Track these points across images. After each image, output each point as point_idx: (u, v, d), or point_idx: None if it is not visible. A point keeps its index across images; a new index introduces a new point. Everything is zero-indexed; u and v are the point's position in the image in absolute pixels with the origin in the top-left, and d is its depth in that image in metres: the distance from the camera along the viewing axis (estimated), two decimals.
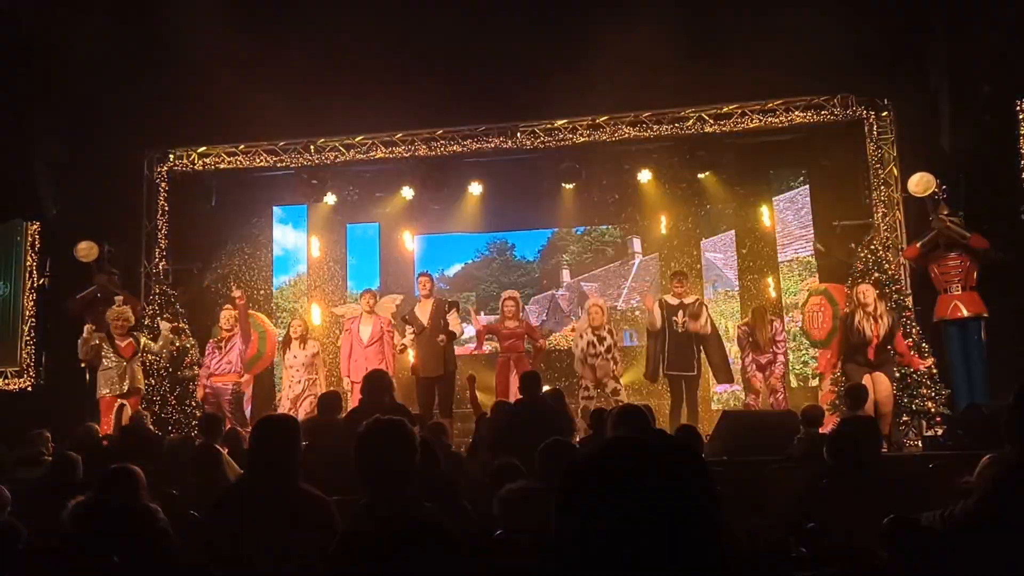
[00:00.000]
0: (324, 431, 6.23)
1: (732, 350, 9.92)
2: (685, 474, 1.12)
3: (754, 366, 8.84)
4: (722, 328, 11.12)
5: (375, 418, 2.76)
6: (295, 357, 9.36)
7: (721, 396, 11.14)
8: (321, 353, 9.66)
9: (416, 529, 2.45)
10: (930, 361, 8.41)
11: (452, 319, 9.06)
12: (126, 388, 8.82)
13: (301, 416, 8.47)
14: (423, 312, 9.04)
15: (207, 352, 9.44)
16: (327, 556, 2.48)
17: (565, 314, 12.67)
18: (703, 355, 9.23)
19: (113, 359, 8.89)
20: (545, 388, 7.88)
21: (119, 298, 9.81)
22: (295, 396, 9.29)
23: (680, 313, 9.10)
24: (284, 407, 9.22)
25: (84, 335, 9.01)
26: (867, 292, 8.13)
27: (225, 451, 6.32)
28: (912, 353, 8.35)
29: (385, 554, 2.39)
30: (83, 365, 9.81)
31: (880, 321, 7.97)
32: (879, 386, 7.82)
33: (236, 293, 9.37)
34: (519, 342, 9.32)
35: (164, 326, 9.47)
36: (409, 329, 9.13)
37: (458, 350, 9.98)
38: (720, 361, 9.28)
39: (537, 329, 10.00)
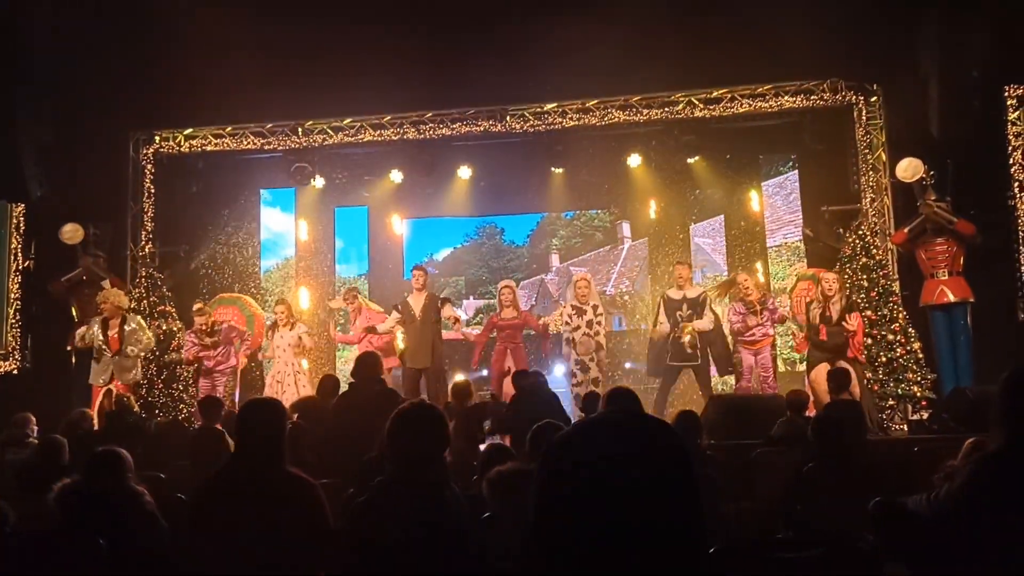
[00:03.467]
0: (316, 411, 6.26)
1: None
2: (661, 451, 1.12)
3: (746, 351, 8.87)
4: None
5: (411, 402, 2.94)
6: (282, 338, 9.36)
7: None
8: (307, 337, 9.65)
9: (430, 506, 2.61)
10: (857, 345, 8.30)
11: (447, 311, 9.04)
12: (111, 377, 8.75)
13: (287, 399, 8.46)
14: (416, 303, 8.98)
15: (193, 346, 9.39)
16: (342, 530, 2.64)
17: (554, 299, 12.67)
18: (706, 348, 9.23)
19: (105, 351, 8.83)
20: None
21: (106, 282, 9.75)
22: (280, 379, 9.29)
23: (684, 307, 8.97)
24: (270, 390, 9.22)
25: (83, 330, 9.01)
26: (829, 283, 8.24)
27: None
28: (859, 338, 8.26)
29: (397, 531, 2.52)
30: (69, 349, 9.77)
31: (832, 308, 8.10)
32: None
33: (197, 306, 9.53)
34: (516, 332, 9.28)
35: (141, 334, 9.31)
36: (394, 317, 9.12)
37: (452, 336, 10.03)
38: (722, 352, 9.14)
39: (533, 318, 9.90)
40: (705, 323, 8.89)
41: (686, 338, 8.79)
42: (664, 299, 9.22)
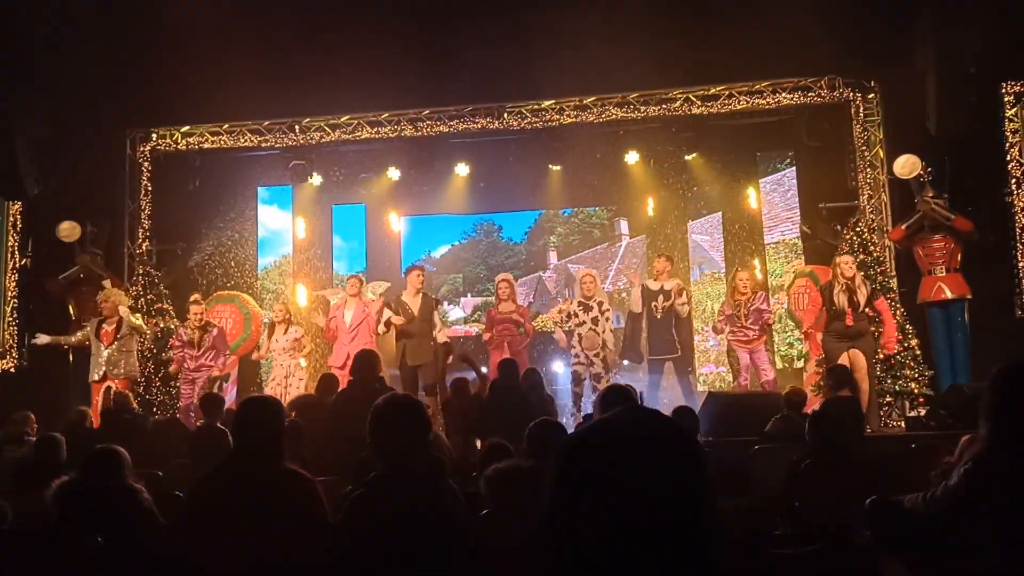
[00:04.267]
0: (314, 410, 6.26)
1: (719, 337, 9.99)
2: (680, 453, 1.12)
3: (741, 350, 8.86)
4: (709, 311, 11.17)
5: (392, 394, 2.95)
6: (276, 341, 9.32)
7: (707, 377, 11.19)
8: (305, 337, 9.63)
9: (423, 503, 2.59)
10: (893, 334, 8.29)
11: (438, 321, 9.10)
12: (104, 372, 8.77)
13: (285, 400, 8.45)
14: (413, 303, 9.04)
15: (178, 344, 9.30)
16: (336, 524, 2.64)
17: (552, 296, 12.68)
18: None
19: (103, 345, 8.86)
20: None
21: (107, 281, 9.75)
22: (279, 380, 9.26)
23: (660, 298, 9.07)
24: (269, 391, 9.19)
25: (79, 335, 9.07)
26: (848, 264, 8.14)
27: None
28: (892, 317, 8.29)
29: (393, 525, 2.54)
30: (65, 348, 9.76)
31: (859, 292, 8.02)
32: (856, 363, 7.88)
33: (194, 296, 9.50)
34: (512, 325, 9.31)
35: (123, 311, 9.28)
36: (388, 314, 9.14)
37: (448, 332, 10.03)
38: (686, 340, 9.36)
39: (528, 313, 9.93)
40: (680, 302, 9.09)
41: (660, 315, 8.95)
42: (642, 287, 9.30)
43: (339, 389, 7.17)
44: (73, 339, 9.27)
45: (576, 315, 9.05)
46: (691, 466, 1.11)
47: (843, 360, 7.82)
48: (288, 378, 9.23)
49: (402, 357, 9.01)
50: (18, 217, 10.53)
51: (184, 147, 11.02)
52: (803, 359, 10.12)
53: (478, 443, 6.30)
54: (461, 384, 7.20)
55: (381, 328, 9.15)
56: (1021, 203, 8.85)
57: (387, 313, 9.12)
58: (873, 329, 8.28)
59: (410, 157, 10.96)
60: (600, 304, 9.08)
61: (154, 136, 10.96)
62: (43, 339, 9.21)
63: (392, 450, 2.74)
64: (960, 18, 8.92)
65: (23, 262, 10.50)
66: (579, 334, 9.01)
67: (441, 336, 9.13)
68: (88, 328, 9.02)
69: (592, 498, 1.09)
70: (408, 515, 2.62)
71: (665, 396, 9.43)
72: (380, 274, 12.56)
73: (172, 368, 9.40)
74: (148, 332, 9.45)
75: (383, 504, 2.66)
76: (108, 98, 10.12)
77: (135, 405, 8.26)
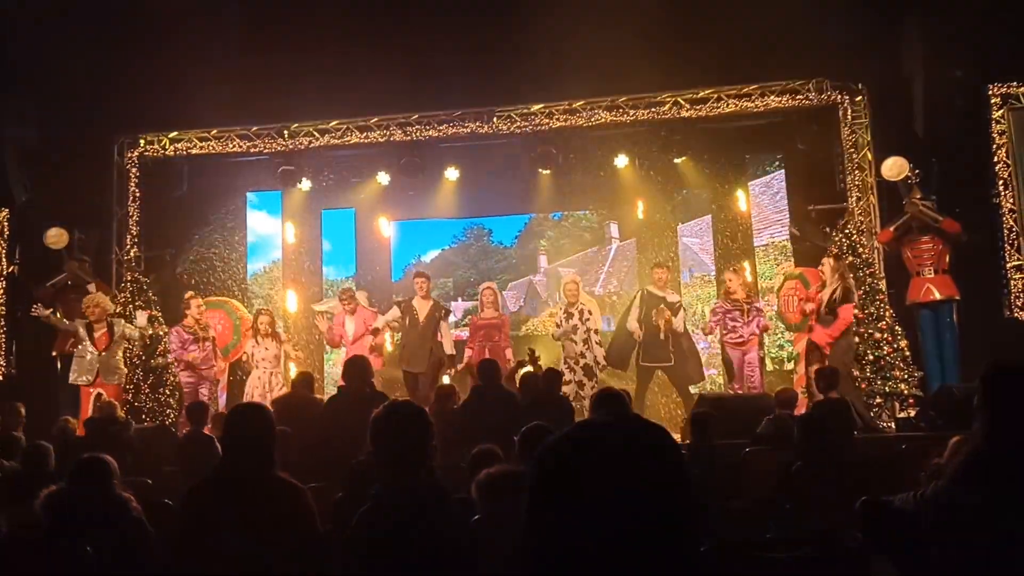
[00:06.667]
0: (298, 409, 6.23)
1: (709, 338, 10.02)
2: (657, 456, 1.12)
3: (734, 351, 8.91)
4: (699, 313, 11.18)
5: (392, 401, 2.91)
6: (267, 350, 9.23)
7: None
8: (288, 345, 9.60)
9: (431, 510, 2.61)
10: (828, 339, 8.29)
11: (444, 332, 9.10)
12: (95, 377, 8.75)
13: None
14: (421, 309, 9.11)
15: (178, 339, 9.29)
16: (345, 538, 2.64)
17: (542, 300, 12.67)
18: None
19: (90, 349, 8.83)
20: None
21: (92, 285, 9.70)
22: (262, 392, 9.12)
23: (661, 305, 9.23)
24: (247, 396, 9.11)
25: (68, 326, 9.04)
26: (827, 266, 8.29)
27: None
28: (848, 322, 8.30)
29: (402, 534, 2.53)
30: (55, 354, 9.70)
31: (827, 288, 8.17)
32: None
33: (190, 294, 9.58)
34: (494, 331, 9.35)
35: (141, 316, 9.36)
36: (394, 313, 9.19)
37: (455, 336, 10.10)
38: (694, 365, 9.47)
39: (508, 323, 9.95)
40: (679, 323, 9.16)
41: (661, 322, 9.04)
42: (644, 293, 9.47)
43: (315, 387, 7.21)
44: (67, 324, 9.20)
45: (561, 324, 9.24)
46: (668, 471, 1.11)
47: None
48: (266, 389, 9.13)
49: (401, 361, 9.15)
50: (5, 224, 10.47)
51: (172, 153, 10.96)
52: (793, 361, 10.14)
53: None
54: (447, 391, 7.17)
55: (378, 322, 9.22)
56: (1008, 204, 8.92)
57: (391, 312, 9.19)
58: (863, 330, 8.36)
59: (399, 162, 10.94)
60: (582, 312, 9.24)
61: (142, 142, 10.89)
62: (42, 312, 9.12)
63: (395, 458, 2.71)
64: (946, 20, 8.98)
65: (11, 269, 10.44)
66: (563, 344, 9.24)
67: (447, 345, 9.10)
68: (79, 328, 8.98)
69: (567, 502, 1.09)
70: (416, 525, 2.59)
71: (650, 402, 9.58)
72: (370, 279, 12.54)
73: (182, 366, 9.31)
74: (138, 339, 9.38)
75: (391, 516, 2.63)
76: (96, 104, 10.08)
77: (122, 413, 8.22)
